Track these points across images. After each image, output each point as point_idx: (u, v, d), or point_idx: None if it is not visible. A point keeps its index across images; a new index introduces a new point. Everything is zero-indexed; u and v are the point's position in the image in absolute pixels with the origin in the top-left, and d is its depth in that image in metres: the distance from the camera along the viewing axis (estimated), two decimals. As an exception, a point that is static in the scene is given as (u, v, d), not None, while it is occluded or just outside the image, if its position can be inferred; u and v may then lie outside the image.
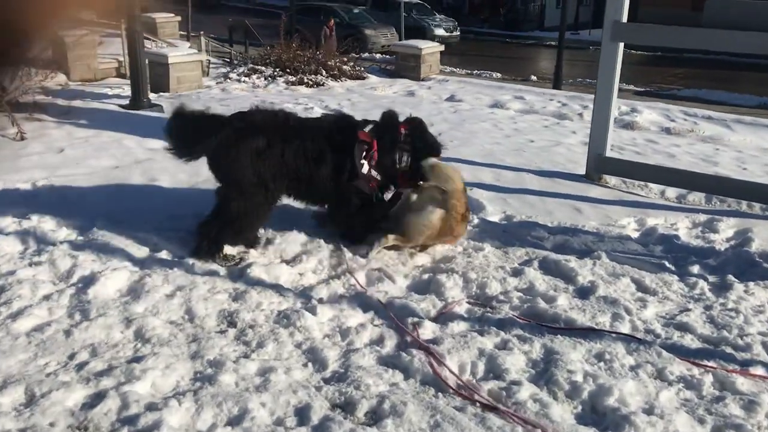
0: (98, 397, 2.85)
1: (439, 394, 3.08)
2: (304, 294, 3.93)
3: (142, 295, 3.72)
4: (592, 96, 6.65)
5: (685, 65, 22.79)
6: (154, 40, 13.77)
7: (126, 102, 8.79)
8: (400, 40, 20.38)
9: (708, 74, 20.82)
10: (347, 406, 2.94)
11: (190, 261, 4.16)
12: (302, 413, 2.85)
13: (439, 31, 28.98)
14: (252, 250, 4.40)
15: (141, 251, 4.27)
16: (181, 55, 11.01)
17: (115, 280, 3.86)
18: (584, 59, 23.88)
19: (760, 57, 25.41)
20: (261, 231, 4.54)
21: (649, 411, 2.99)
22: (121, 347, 3.26)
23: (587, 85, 17.80)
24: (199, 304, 3.69)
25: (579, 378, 3.19)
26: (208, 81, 11.75)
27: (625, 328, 3.72)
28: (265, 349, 3.32)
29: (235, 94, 10.65)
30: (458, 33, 30.31)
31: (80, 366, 3.07)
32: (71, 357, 3.15)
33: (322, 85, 12.11)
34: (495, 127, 8.91)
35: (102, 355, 3.17)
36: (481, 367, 3.28)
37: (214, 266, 4.15)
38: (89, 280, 3.84)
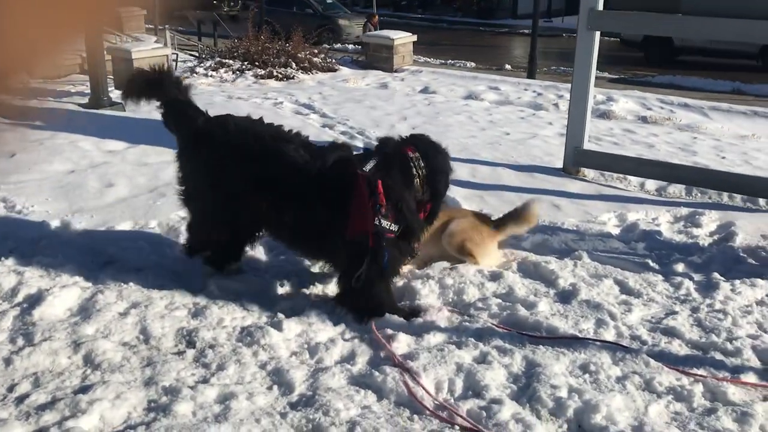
0: (38, 436, 2.58)
1: (415, 416, 2.86)
2: (270, 307, 3.68)
3: (93, 315, 3.43)
4: (567, 85, 6.47)
5: (659, 51, 22.66)
6: (118, 35, 13.31)
7: (86, 101, 8.42)
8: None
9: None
10: (315, 435, 2.71)
11: (148, 275, 3.88)
12: (265, 445, 2.62)
13: None
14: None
15: (94, 265, 3.98)
16: (146, 50, 10.60)
17: (64, 298, 3.56)
18: (558, 47, 23.75)
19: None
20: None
21: (638, 428, 2.79)
22: (68, 375, 2.98)
23: (561, 73, 17.67)
24: (155, 322, 3.42)
25: (563, 393, 2.98)
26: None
27: (609, 335, 3.52)
28: (226, 371, 3.07)
29: (202, 89, 10.29)
30: None
31: (20, 399, 2.78)
32: (10, 389, 2.86)
33: (292, 78, 11.79)
34: (470, 120, 8.68)
35: (45, 386, 2.89)
36: (459, 385, 3.06)
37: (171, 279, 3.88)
38: (36, 299, 3.54)
